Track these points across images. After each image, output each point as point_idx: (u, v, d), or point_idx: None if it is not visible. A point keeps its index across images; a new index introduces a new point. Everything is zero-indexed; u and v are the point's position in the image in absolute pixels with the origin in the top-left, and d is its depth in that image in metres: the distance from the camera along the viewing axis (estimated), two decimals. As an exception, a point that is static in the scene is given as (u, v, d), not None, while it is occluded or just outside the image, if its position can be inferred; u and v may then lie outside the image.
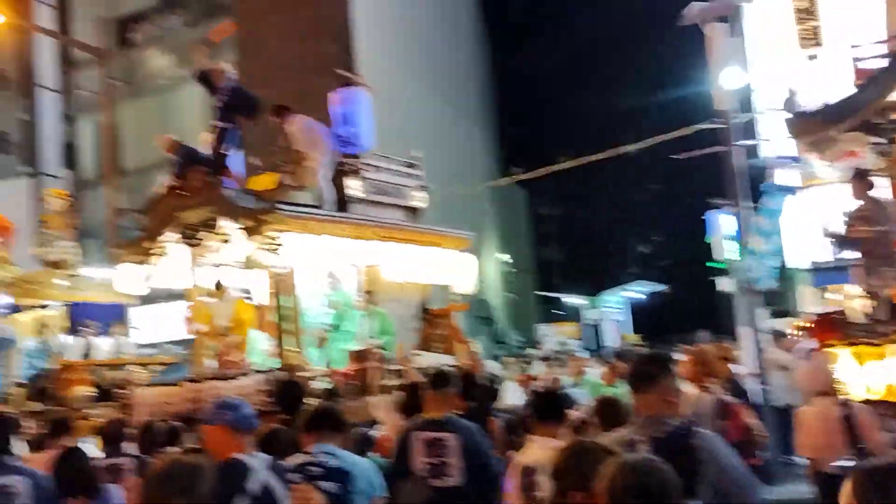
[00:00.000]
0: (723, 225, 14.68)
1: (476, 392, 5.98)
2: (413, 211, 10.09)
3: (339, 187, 9.15)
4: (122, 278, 9.26)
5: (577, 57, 31.21)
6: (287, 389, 6.27)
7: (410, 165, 10.17)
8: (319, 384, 7.80)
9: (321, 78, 12.79)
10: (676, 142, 14.34)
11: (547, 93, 32.06)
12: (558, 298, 31.47)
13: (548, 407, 4.24)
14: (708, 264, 16.44)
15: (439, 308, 10.04)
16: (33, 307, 13.20)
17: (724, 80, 11.64)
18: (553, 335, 25.40)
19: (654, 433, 3.11)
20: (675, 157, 14.00)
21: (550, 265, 35.55)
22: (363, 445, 5.35)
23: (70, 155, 26.86)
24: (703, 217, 15.80)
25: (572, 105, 31.01)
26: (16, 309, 13.04)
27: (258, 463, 3.52)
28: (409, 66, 24.11)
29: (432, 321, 9.81)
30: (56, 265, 13.42)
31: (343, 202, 9.15)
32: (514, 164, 25.87)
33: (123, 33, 26.65)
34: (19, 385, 12.21)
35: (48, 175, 25.41)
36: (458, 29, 29.34)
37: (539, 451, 3.89)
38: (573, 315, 29.02)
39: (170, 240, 8.78)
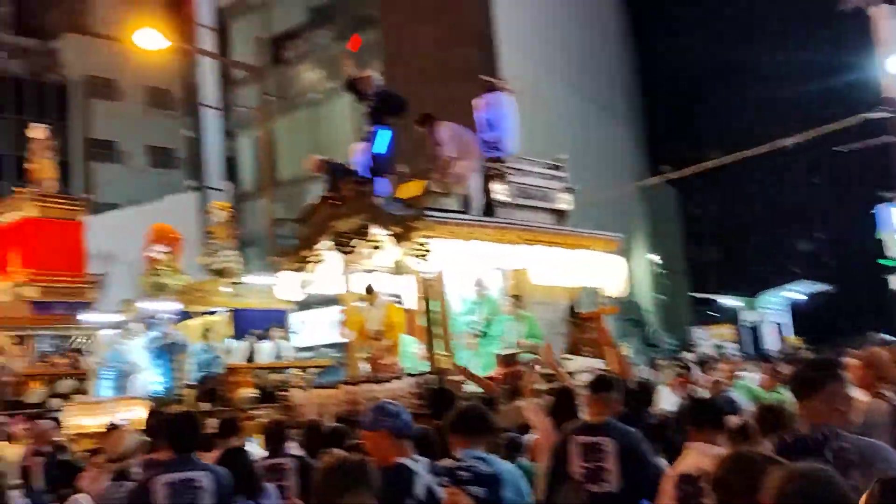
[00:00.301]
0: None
1: (628, 397, 5.84)
2: (559, 213, 9.99)
3: (484, 192, 9.19)
4: (282, 285, 9.66)
5: (728, 47, 30.01)
6: (437, 393, 6.35)
7: (556, 167, 10.09)
8: (470, 388, 7.85)
9: (465, 83, 12.90)
10: (840, 133, 13.54)
11: (696, 87, 31.06)
12: (713, 300, 30.35)
13: (706, 413, 4.08)
14: (879, 261, 15.45)
15: (588, 311, 9.90)
16: (200, 313, 14.01)
17: (893, 65, 10.88)
18: (708, 338, 24.54)
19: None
20: (838, 148, 13.23)
21: (704, 265, 34.37)
22: (513, 450, 5.33)
23: (231, 168, 28.36)
24: (871, 211, 14.86)
25: (724, 98, 29.90)
26: (185, 315, 13.88)
27: (421, 467, 3.57)
28: (553, 68, 23.97)
29: (581, 325, 9.69)
30: (221, 273, 14.20)
31: (489, 206, 9.19)
32: (663, 162, 25.23)
33: (277, 51, 27.90)
34: (189, 387, 12.99)
35: (212, 188, 26.91)
36: (602, 26, 28.91)
37: (698, 459, 3.75)
38: (729, 317, 27.94)
39: (324, 247, 9.10)
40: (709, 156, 17.76)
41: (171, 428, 4.54)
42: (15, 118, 38.45)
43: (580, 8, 27.31)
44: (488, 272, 9.38)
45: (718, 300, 29.95)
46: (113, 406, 12.26)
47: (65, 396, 14.17)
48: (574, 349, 9.52)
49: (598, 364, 8.55)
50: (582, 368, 8.56)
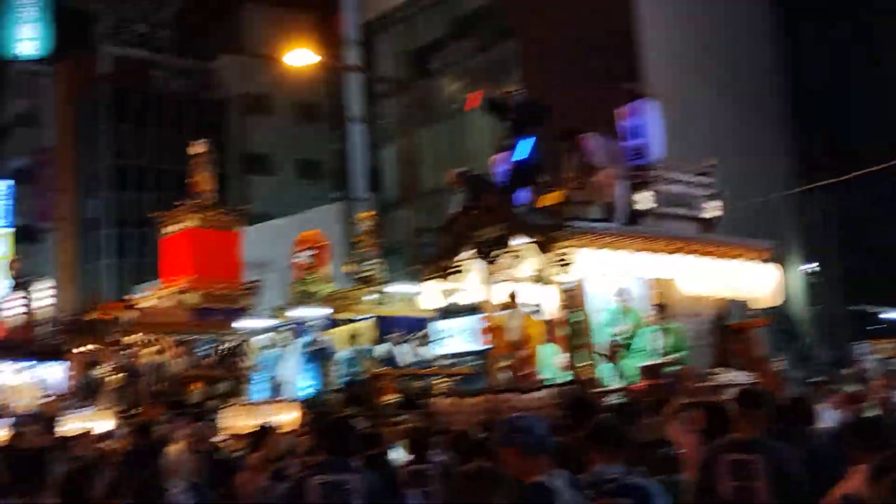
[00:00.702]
0: None
1: (780, 413, 5.59)
2: (707, 221, 9.69)
3: (629, 201, 9.04)
4: (425, 294, 9.83)
5: (884, 46, 28.22)
6: (579, 404, 6.27)
7: (703, 174, 9.79)
8: (613, 400, 7.72)
9: (608, 91, 12.72)
10: None
11: (851, 87, 29.35)
12: (877, 312, 28.50)
13: (875, 433, 3.85)
14: None
15: (738, 322, 9.53)
16: (346, 320, 14.45)
17: None
18: (870, 353, 23.08)
19: None
20: None
21: (865, 274, 32.36)
22: (658, 464, 5.20)
23: (375, 179, 29.10)
24: None
25: (882, 98, 28.11)
26: (332, 322, 14.36)
27: (561, 483, 3.55)
28: (699, 70, 23.29)
29: (730, 336, 9.34)
30: (366, 281, 14.60)
31: (634, 215, 9.03)
32: (817, 167, 23.99)
33: (420, 63, 28.45)
34: (336, 391, 13.42)
35: (357, 199, 27.74)
36: (751, 26, 27.84)
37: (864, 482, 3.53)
38: (893, 330, 26.17)
39: (466, 257, 9.20)
40: (864, 158, 16.75)
41: (328, 432, 4.70)
42: (177, 135, 41.03)
43: (727, 7, 26.41)
44: (632, 282, 9.21)
45: (883, 313, 28.11)
46: (266, 408, 12.82)
47: (221, 398, 14.95)
48: (722, 362, 9.19)
49: (747, 378, 8.23)
50: (730, 382, 8.25)
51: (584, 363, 8.24)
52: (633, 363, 8.77)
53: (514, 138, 9.09)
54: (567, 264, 7.95)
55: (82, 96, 43.92)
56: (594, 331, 8.62)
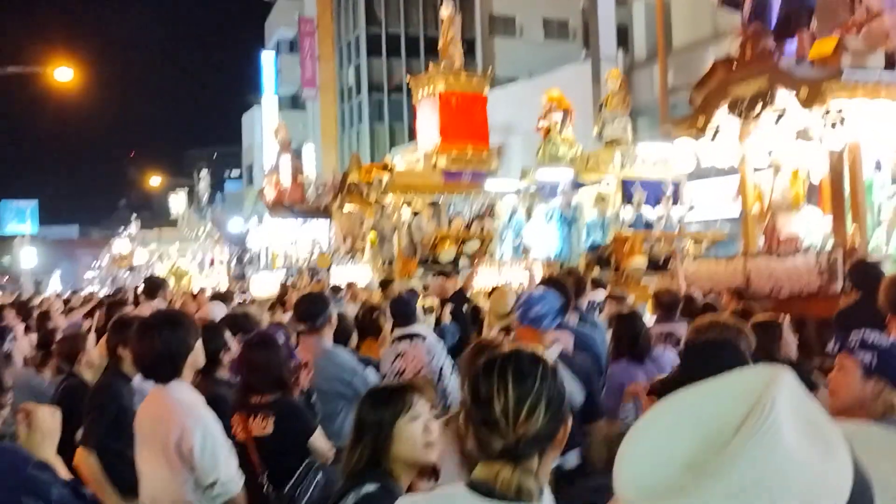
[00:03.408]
0: None
1: None
2: None
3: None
4: (676, 154, 9.44)
5: None
6: (860, 268, 5.94)
7: None
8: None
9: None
10: None
11: None
12: None
13: None
14: None
15: None
16: (593, 182, 14.29)
17: None
18: None
19: None
20: None
21: None
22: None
23: (623, 37, 27.91)
24: None
25: None
26: (578, 184, 14.27)
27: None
28: None
29: None
30: (614, 143, 14.26)
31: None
32: None
33: None
34: (582, 253, 13.49)
35: (604, 59, 26.83)
36: None
37: None
38: None
39: (722, 114, 8.65)
40: None
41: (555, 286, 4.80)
42: (426, 0, 41.55)
43: None
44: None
45: None
46: (513, 266, 13.21)
47: (471, 257, 15.58)
48: None
49: None
50: None
51: (855, 228, 7.60)
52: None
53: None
54: (839, 120, 7.23)
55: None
56: (868, 193, 7.89)
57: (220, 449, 3.26)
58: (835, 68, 7.40)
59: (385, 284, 11.05)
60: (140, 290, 9.97)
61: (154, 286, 8.33)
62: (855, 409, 2.47)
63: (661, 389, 2.93)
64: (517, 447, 1.68)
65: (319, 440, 3.85)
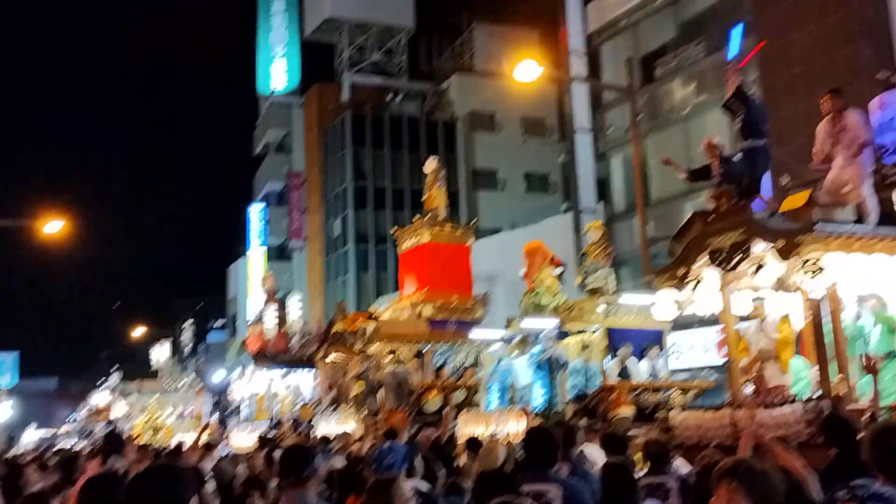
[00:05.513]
0: None
1: None
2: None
3: (884, 201, 8.29)
4: (659, 304, 9.56)
5: None
6: (832, 421, 5.81)
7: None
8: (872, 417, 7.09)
9: (855, 84, 11.80)
10: None
11: None
12: None
13: None
14: None
15: None
16: (577, 331, 14.34)
17: None
18: None
19: None
20: None
21: None
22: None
23: (603, 190, 28.78)
24: None
25: None
26: (563, 333, 14.32)
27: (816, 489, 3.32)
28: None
29: None
30: (596, 292, 14.43)
31: (887, 217, 8.26)
32: None
33: (646, 70, 27.82)
34: (568, 403, 13.36)
35: (585, 211, 27.56)
36: None
37: None
38: None
39: (702, 265, 8.84)
40: None
41: (526, 441, 4.71)
42: (411, 154, 42.95)
43: None
44: (890, 289, 8.43)
45: None
46: (500, 417, 13.03)
47: (457, 408, 15.36)
48: None
49: None
50: None
51: (838, 377, 7.64)
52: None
53: (747, 139, 8.63)
54: (816, 271, 7.41)
55: (326, 123, 47.18)
56: (849, 342, 7.98)
57: None
58: (808, 221, 7.66)
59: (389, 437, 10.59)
60: (98, 446, 9.68)
61: (116, 442, 8.09)
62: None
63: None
64: None
65: None
